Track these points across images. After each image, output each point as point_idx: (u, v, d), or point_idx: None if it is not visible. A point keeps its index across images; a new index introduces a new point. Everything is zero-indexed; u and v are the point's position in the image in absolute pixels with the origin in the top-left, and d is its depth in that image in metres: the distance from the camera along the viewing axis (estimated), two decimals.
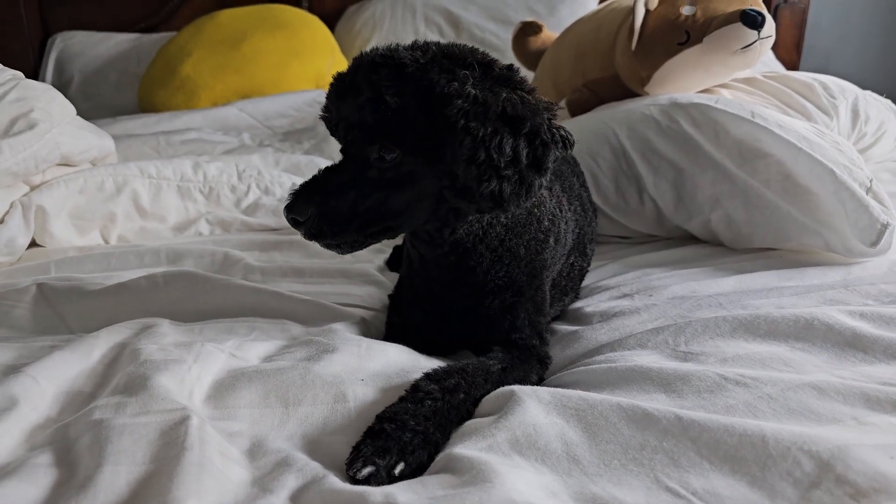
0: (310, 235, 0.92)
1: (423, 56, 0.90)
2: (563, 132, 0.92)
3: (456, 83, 0.86)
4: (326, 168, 0.95)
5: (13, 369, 0.89)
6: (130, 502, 0.64)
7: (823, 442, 0.65)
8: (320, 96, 2.65)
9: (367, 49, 0.94)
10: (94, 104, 2.87)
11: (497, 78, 0.91)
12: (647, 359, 0.96)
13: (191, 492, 0.64)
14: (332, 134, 0.97)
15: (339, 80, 0.93)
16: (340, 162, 0.95)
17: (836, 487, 0.61)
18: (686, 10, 1.58)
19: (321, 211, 0.90)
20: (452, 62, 0.90)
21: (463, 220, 0.97)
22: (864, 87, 1.77)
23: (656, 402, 0.80)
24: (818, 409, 0.76)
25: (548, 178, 0.92)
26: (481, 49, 0.95)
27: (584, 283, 1.38)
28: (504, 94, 0.88)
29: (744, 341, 0.96)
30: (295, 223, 0.92)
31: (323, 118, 0.97)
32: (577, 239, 1.26)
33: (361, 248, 0.96)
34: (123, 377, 0.85)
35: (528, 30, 2.31)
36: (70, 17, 3.14)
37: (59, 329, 1.12)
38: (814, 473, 0.63)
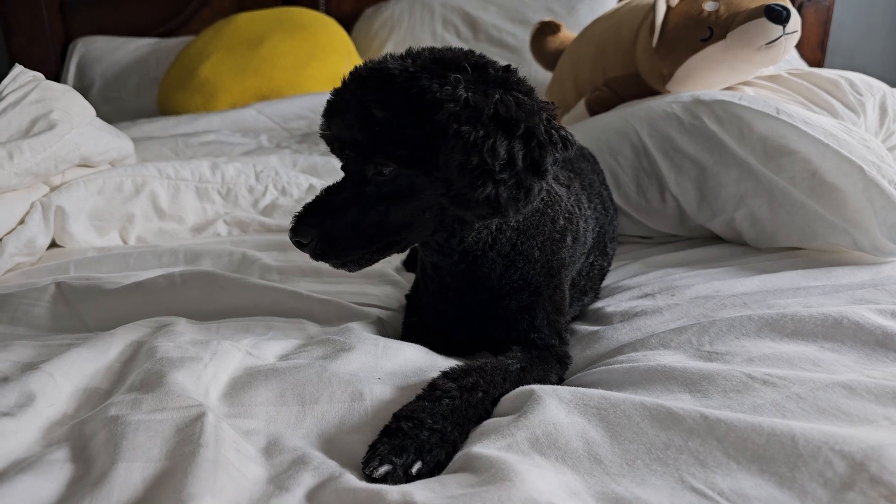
0: (316, 257, 0.92)
1: (413, 64, 0.88)
2: (562, 132, 0.89)
3: (448, 87, 0.84)
4: (328, 188, 0.95)
5: (31, 367, 0.89)
6: (145, 499, 0.64)
7: (856, 442, 0.63)
8: None
9: (381, 54, 0.93)
10: (114, 108, 2.91)
11: (492, 80, 0.88)
12: (670, 358, 0.94)
13: (206, 489, 0.63)
14: (332, 152, 0.96)
15: (332, 98, 0.93)
16: (341, 180, 0.95)
17: (870, 488, 0.59)
18: (709, 6, 1.55)
19: (322, 232, 0.90)
20: (444, 67, 0.87)
21: (469, 228, 0.95)
22: (890, 85, 1.73)
23: (681, 402, 0.78)
24: (849, 409, 0.73)
25: (548, 181, 0.90)
26: (478, 52, 0.93)
27: (605, 283, 1.36)
28: (497, 96, 0.85)
29: (770, 341, 0.94)
30: (300, 245, 0.92)
31: (322, 136, 0.97)
32: (598, 238, 1.24)
33: (369, 265, 0.96)
34: (140, 374, 0.84)
35: (547, 29, 2.29)
36: (91, 23, 3.19)
37: (77, 327, 1.13)
38: (846, 474, 0.61)
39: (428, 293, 1.09)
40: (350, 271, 0.96)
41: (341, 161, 0.96)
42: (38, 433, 0.76)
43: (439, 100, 0.84)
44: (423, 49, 0.93)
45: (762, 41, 1.48)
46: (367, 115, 0.86)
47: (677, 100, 1.52)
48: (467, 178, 0.84)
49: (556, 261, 1.04)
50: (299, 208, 0.94)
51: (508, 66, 0.92)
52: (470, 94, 0.84)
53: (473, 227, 0.95)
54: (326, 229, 0.90)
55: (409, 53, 0.92)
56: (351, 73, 0.92)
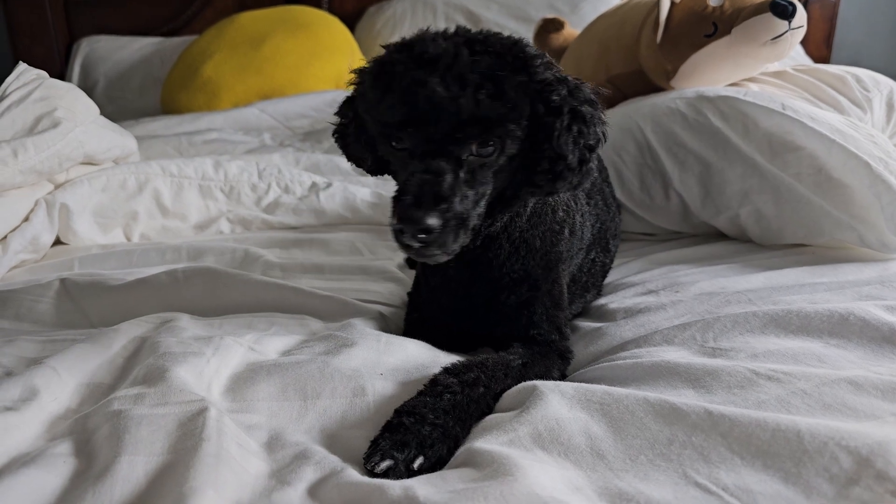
0: (437, 247, 0.84)
1: (501, 44, 0.87)
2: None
3: (553, 70, 0.88)
4: (421, 170, 0.84)
5: (35, 362, 0.89)
6: (147, 492, 0.64)
7: (862, 437, 0.62)
8: (340, 96, 2.64)
9: (434, 31, 0.88)
10: (118, 107, 2.92)
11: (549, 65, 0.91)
12: (673, 354, 0.93)
13: (208, 482, 0.63)
14: (411, 126, 0.85)
15: (433, 67, 0.83)
16: (430, 161, 0.84)
17: (876, 484, 0.58)
18: (713, 1, 1.55)
19: (446, 218, 0.82)
20: (522, 50, 0.88)
21: (509, 209, 0.96)
22: None
23: (684, 398, 0.77)
24: (855, 405, 0.72)
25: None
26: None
27: (608, 279, 1.35)
28: (581, 80, 0.91)
29: (775, 337, 0.93)
30: (424, 233, 0.82)
31: (402, 108, 0.84)
32: (599, 234, 1.24)
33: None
34: (143, 369, 0.84)
35: (550, 27, 2.29)
36: (95, 22, 3.20)
37: (81, 323, 1.13)
38: (852, 469, 0.60)
39: (429, 287, 1.09)
40: (437, 262, 0.89)
41: (432, 138, 0.84)
42: (41, 427, 0.77)
43: (550, 81, 0.87)
44: (466, 29, 0.90)
45: (767, 36, 1.47)
46: (500, 91, 0.83)
47: (681, 96, 1.51)
48: (577, 152, 0.89)
49: (553, 253, 1.04)
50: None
51: (543, 52, 0.93)
52: (571, 76, 0.90)
53: (513, 208, 0.96)
54: (448, 215, 0.83)
55: (472, 32, 0.89)
56: (446, 44, 0.84)
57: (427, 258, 0.86)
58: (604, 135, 0.92)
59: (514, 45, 0.88)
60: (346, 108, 1.01)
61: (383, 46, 0.93)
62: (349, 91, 0.99)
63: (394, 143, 0.88)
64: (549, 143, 0.88)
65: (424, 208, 0.81)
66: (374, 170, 1.03)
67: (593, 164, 0.92)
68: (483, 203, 0.89)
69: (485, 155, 0.85)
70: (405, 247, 0.84)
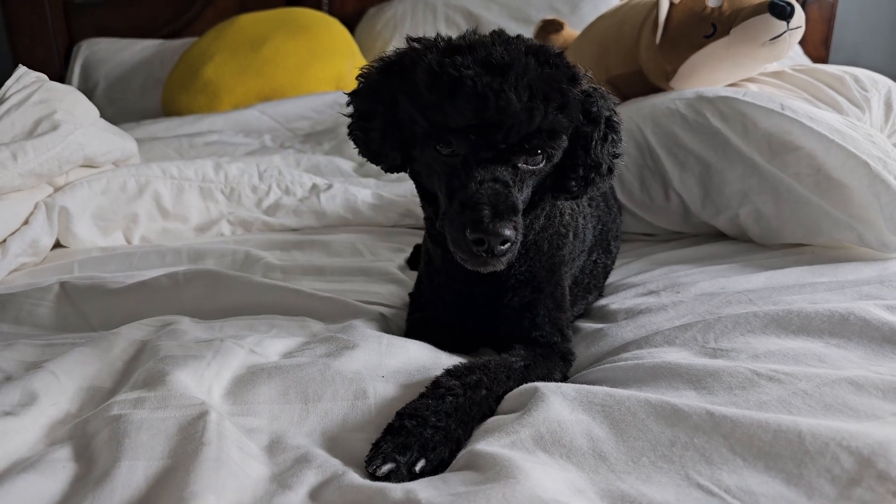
0: (509, 255, 0.84)
1: (554, 56, 0.88)
2: None
3: (589, 80, 0.90)
4: (489, 179, 0.83)
5: (35, 366, 0.89)
6: (148, 497, 0.64)
7: (863, 438, 0.62)
8: (341, 98, 2.63)
9: (477, 34, 0.88)
10: (118, 109, 2.91)
11: None
12: (675, 355, 0.93)
13: (208, 487, 0.63)
14: (473, 133, 0.83)
15: (504, 75, 0.82)
16: (493, 169, 0.84)
17: (877, 484, 0.58)
18: (712, 2, 1.55)
19: (517, 226, 0.83)
20: (568, 62, 0.90)
21: (534, 213, 0.96)
22: (895, 81, 1.71)
23: (686, 399, 0.77)
24: (856, 405, 0.72)
25: None
26: None
27: (609, 280, 1.35)
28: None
29: (776, 337, 0.93)
30: (502, 242, 0.81)
31: (473, 112, 0.82)
32: (601, 235, 1.24)
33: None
34: (143, 373, 0.84)
35: (550, 28, 2.29)
36: (95, 24, 3.20)
37: (81, 327, 1.13)
38: (854, 470, 0.60)
39: (433, 287, 1.09)
40: (495, 270, 0.88)
41: (500, 145, 0.84)
42: (40, 432, 0.76)
43: (590, 92, 0.89)
44: (507, 34, 0.90)
45: (766, 37, 1.47)
46: (565, 104, 0.85)
47: (681, 97, 1.51)
48: (608, 161, 0.93)
49: (558, 256, 1.04)
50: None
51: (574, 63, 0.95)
52: (600, 86, 0.94)
53: (535, 212, 0.97)
54: (517, 226, 0.83)
55: (517, 37, 0.89)
56: (512, 52, 0.84)
57: (492, 267, 0.86)
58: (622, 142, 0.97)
59: (559, 55, 0.89)
60: (367, 99, 0.95)
61: (416, 42, 0.91)
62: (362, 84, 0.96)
63: (439, 147, 0.87)
64: (586, 152, 0.91)
65: (504, 220, 0.81)
66: (394, 168, 0.99)
67: (617, 172, 0.97)
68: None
69: (534, 164, 0.87)
70: (474, 256, 0.83)
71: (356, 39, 3.05)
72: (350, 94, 0.96)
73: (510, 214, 0.82)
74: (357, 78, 0.97)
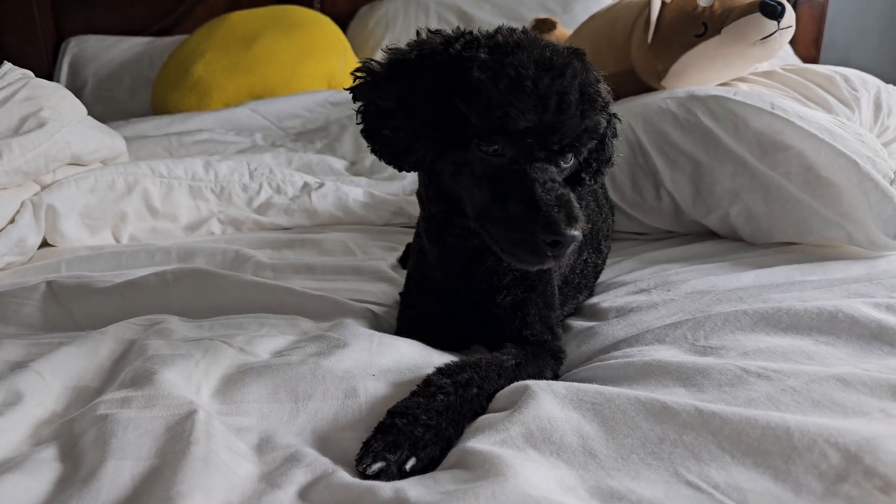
0: (566, 251, 0.84)
1: (584, 55, 0.90)
2: None
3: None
4: (551, 181, 0.84)
5: (21, 366, 0.88)
6: (135, 497, 0.63)
7: (851, 434, 0.62)
8: (332, 97, 2.65)
9: (518, 32, 0.88)
10: (107, 107, 2.89)
11: None
12: (665, 353, 0.93)
13: (196, 486, 0.62)
14: (531, 134, 0.84)
15: (559, 77, 0.83)
16: (546, 168, 0.85)
17: (864, 480, 0.58)
18: (703, 2, 1.55)
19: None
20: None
21: None
22: (884, 81, 1.72)
23: (675, 396, 0.77)
24: (844, 402, 0.73)
25: None
26: None
27: (600, 279, 1.35)
28: None
29: (765, 335, 0.94)
30: (570, 240, 0.82)
31: (531, 115, 0.82)
32: (591, 235, 1.24)
33: None
34: (130, 372, 0.83)
35: (543, 27, 2.29)
36: (84, 21, 3.17)
37: (68, 326, 1.12)
38: (841, 466, 0.60)
39: (425, 283, 1.09)
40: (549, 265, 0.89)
41: (551, 147, 0.85)
42: (26, 432, 0.76)
43: (601, 91, 0.89)
44: (527, 30, 0.91)
45: (757, 36, 1.47)
46: (605, 105, 0.89)
47: (672, 95, 1.52)
48: (611, 160, 0.98)
49: None
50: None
51: None
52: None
53: None
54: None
55: (557, 44, 0.90)
56: (555, 52, 0.85)
57: (546, 265, 0.87)
58: None
59: (585, 58, 0.92)
60: (388, 95, 0.89)
61: (455, 37, 0.89)
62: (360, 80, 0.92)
63: (483, 146, 0.86)
64: (602, 146, 0.95)
65: (576, 221, 0.82)
66: (416, 167, 0.94)
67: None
68: None
69: (568, 163, 0.89)
70: (543, 257, 0.83)
71: (348, 38, 3.04)
72: (362, 91, 0.92)
73: (579, 217, 0.83)
74: (360, 74, 0.92)
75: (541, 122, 0.83)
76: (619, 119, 1.00)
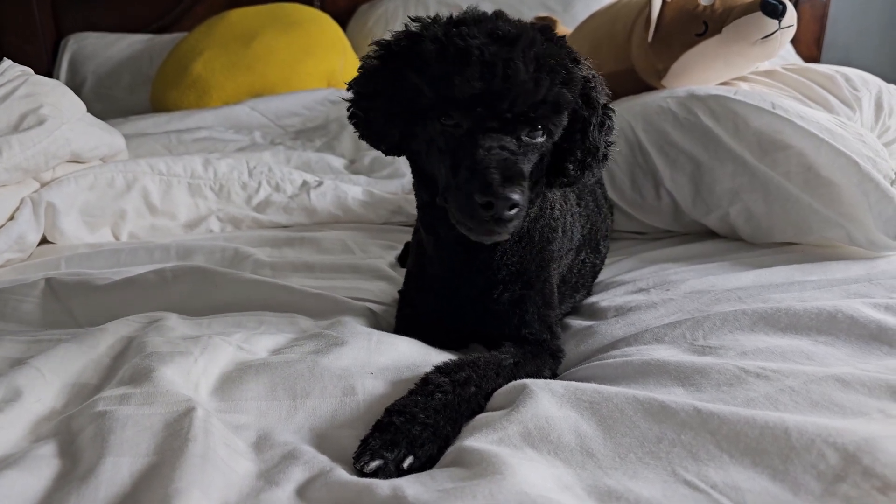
0: (516, 221, 0.84)
1: (557, 36, 0.89)
2: None
3: (588, 66, 0.92)
4: (498, 147, 0.84)
5: (20, 362, 0.88)
6: (133, 493, 0.63)
7: (849, 434, 0.62)
8: (332, 95, 2.64)
9: (479, 11, 0.90)
10: (107, 105, 2.89)
11: None
12: (663, 353, 0.94)
13: (194, 483, 0.62)
14: (479, 103, 0.83)
15: (510, 47, 0.82)
16: (499, 138, 0.85)
17: (862, 480, 0.58)
18: (704, 1, 1.55)
19: (524, 193, 0.83)
20: (569, 46, 0.92)
21: (536, 197, 0.98)
22: (886, 81, 1.72)
23: (674, 396, 0.77)
24: (842, 402, 0.73)
25: None
26: None
27: (599, 278, 1.35)
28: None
29: (764, 335, 0.94)
30: (510, 207, 0.81)
31: (479, 81, 0.82)
32: (589, 235, 1.24)
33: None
34: (129, 369, 0.83)
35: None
36: (83, 19, 3.16)
37: (67, 323, 1.12)
38: (839, 466, 0.60)
39: (424, 278, 1.09)
40: (502, 239, 0.90)
41: (502, 116, 0.84)
42: (25, 428, 0.76)
43: (588, 77, 0.91)
44: (503, 12, 0.91)
45: (758, 35, 1.47)
46: (570, 79, 0.87)
47: (672, 95, 1.51)
48: (603, 147, 0.95)
49: (548, 251, 1.04)
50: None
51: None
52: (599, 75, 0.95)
53: (534, 193, 0.97)
54: (525, 195, 0.83)
55: (519, 20, 0.90)
56: (517, 28, 0.85)
57: (498, 235, 0.86)
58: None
59: (563, 38, 0.91)
60: (370, 80, 0.95)
61: (422, 21, 0.91)
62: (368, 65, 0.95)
63: (443, 119, 0.87)
64: (584, 136, 0.93)
65: (513, 184, 0.81)
66: (394, 149, 0.99)
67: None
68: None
69: (534, 138, 0.88)
70: (482, 222, 0.83)
71: (348, 35, 3.03)
72: (352, 81, 0.97)
73: (519, 179, 0.82)
74: (359, 68, 0.97)
75: (488, 89, 0.82)
76: (610, 112, 0.97)
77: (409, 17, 0.94)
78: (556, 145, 0.93)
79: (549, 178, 0.97)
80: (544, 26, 0.90)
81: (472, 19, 0.88)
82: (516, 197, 0.80)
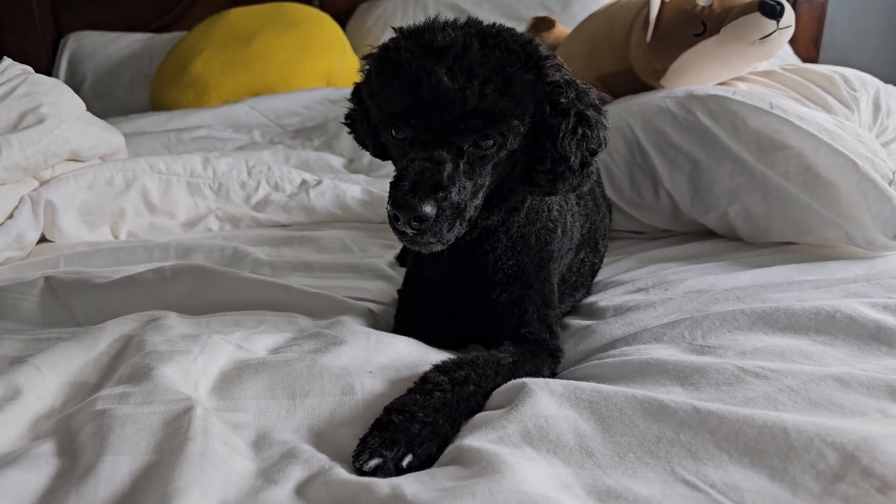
0: (432, 234, 0.83)
1: (513, 41, 0.87)
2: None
3: (560, 72, 0.88)
4: (422, 158, 0.84)
5: (19, 361, 0.88)
6: (132, 492, 0.63)
7: (848, 434, 0.62)
8: (331, 94, 2.64)
9: (444, 21, 0.89)
10: (106, 104, 2.88)
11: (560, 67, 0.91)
12: (662, 352, 0.94)
13: (193, 482, 0.62)
14: (412, 116, 0.84)
15: (442, 57, 0.82)
16: (430, 150, 0.84)
17: (861, 480, 0.58)
18: (702, 1, 1.55)
19: (442, 207, 0.82)
20: (535, 49, 0.88)
21: (506, 204, 0.96)
22: (884, 81, 1.72)
23: (673, 395, 0.77)
24: (841, 402, 0.73)
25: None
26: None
27: (598, 278, 1.35)
28: (590, 85, 0.93)
29: (763, 334, 0.94)
30: (418, 222, 0.81)
31: (408, 95, 0.83)
32: (589, 234, 1.24)
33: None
34: (128, 368, 0.83)
35: (541, 25, 2.29)
36: (83, 18, 3.16)
37: (66, 322, 1.11)
38: (838, 466, 0.60)
39: (422, 280, 1.09)
40: (433, 251, 0.88)
41: (434, 127, 0.84)
42: (24, 427, 0.76)
43: (558, 83, 0.87)
44: (478, 21, 0.90)
45: (756, 36, 1.47)
46: (507, 86, 0.83)
47: (671, 95, 1.52)
48: (579, 156, 0.89)
49: (546, 251, 1.04)
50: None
51: (554, 54, 0.93)
52: (579, 80, 0.90)
53: (510, 203, 0.96)
54: (444, 203, 0.82)
55: (485, 25, 0.89)
56: (457, 35, 0.84)
57: (421, 246, 0.86)
58: (605, 139, 0.93)
59: (528, 43, 0.88)
60: (355, 93, 1.02)
61: (394, 29, 0.92)
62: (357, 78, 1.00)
63: (394, 132, 0.88)
64: (553, 144, 0.89)
65: (421, 196, 0.80)
66: (377, 154, 1.04)
67: (594, 168, 0.93)
68: (481, 195, 0.90)
69: (485, 148, 0.85)
70: (399, 233, 0.84)
71: (347, 35, 3.03)
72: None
73: (429, 190, 0.81)
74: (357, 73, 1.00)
75: (417, 102, 0.83)
76: (591, 119, 0.90)
77: (392, 28, 0.94)
78: (529, 153, 0.90)
79: (523, 185, 0.94)
80: (498, 33, 0.86)
81: (417, 30, 0.87)
82: (425, 209, 0.80)
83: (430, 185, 0.81)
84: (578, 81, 0.91)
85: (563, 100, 0.87)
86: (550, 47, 2.20)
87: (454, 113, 0.82)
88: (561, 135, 0.88)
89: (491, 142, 0.85)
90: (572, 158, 0.89)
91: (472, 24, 0.88)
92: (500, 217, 0.97)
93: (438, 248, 0.87)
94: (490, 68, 0.82)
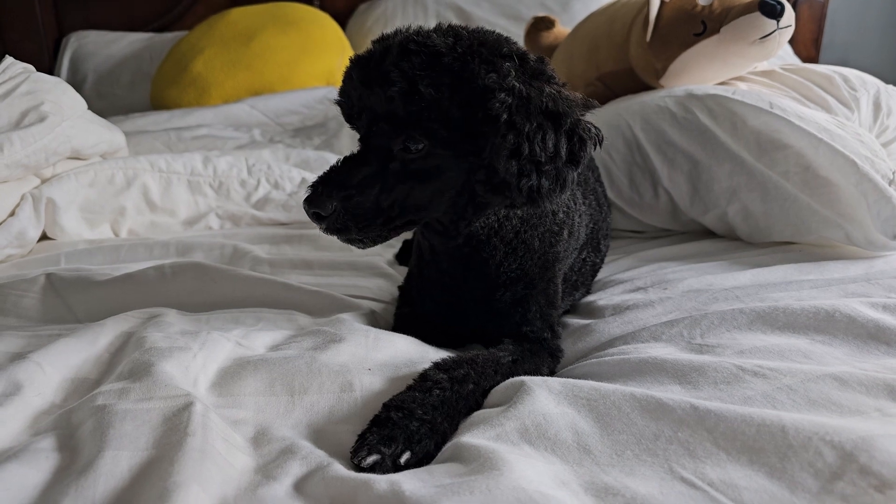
0: (333, 230, 0.87)
1: (459, 44, 0.86)
2: (594, 128, 0.90)
3: (496, 75, 0.83)
4: (346, 158, 0.89)
5: (20, 357, 0.88)
6: (131, 487, 0.63)
7: (846, 433, 0.63)
8: (331, 93, 2.65)
9: (416, 28, 0.89)
10: (107, 103, 2.89)
11: (532, 70, 0.88)
12: (661, 351, 0.94)
13: (192, 477, 0.62)
14: (350, 121, 0.92)
15: (363, 64, 0.87)
16: (360, 152, 0.90)
17: (859, 478, 0.59)
18: (702, 0, 1.55)
19: (346, 206, 0.85)
20: (490, 52, 0.86)
21: (482, 213, 0.94)
22: (884, 81, 1.72)
23: (671, 393, 0.77)
24: (840, 401, 0.73)
25: (579, 173, 0.90)
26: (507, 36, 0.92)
27: (597, 277, 1.35)
28: (546, 89, 0.85)
29: (762, 333, 0.94)
30: (317, 217, 0.87)
31: (340, 104, 0.92)
32: (591, 234, 1.24)
33: (383, 242, 0.93)
34: (128, 364, 0.84)
35: (541, 25, 2.29)
36: (84, 17, 3.17)
37: (67, 318, 1.12)
38: (836, 464, 0.60)
39: (423, 280, 1.09)
40: (362, 248, 0.92)
41: (363, 133, 0.90)
42: (24, 422, 0.76)
43: (491, 87, 0.83)
44: (458, 26, 0.90)
45: (756, 35, 1.47)
46: (413, 90, 0.82)
47: (670, 94, 1.52)
48: (514, 167, 0.83)
49: (552, 253, 1.04)
50: (304, 188, 0.94)
51: (542, 57, 0.92)
52: (523, 85, 0.84)
53: (486, 212, 0.94)
54: (350, 203, 0.85)
55: (449, 30, 0.88)
56: (387, 40, 0.87)
57: (352, 243, 0.91)
58: (579, 147, 0.86)
59: (472, 46, 0.86)
60: None
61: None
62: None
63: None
64: (491, 154, 0.84)
65: (322, 193, 0.86)
66: None
67: (545, 183, 0.85)
68: (437, 200, 0.90)
69: (411, 151, 0.86)
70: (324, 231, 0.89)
71: (347, 35, 3.04)
72: None
73: (331, 189, 0.86)
74: None
75: (345, 108, 0.92)
76: (514, 124, 0.82)
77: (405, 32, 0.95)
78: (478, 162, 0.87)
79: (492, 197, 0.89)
80: (424, 41, 0.85)
81: (378, 39, 0.91)
82: (320, 207, 0.85)
83: (335, 183, 0.86)
84: (522, 87, 0.84)
85: (495, 104, 0.82)
86: (549, 47, 2.22)
87: (368, 117, 0.87)
88: (489, 146, 0.84)
89: (420, 146, 0.85)
90: (501, 169, 0.83)
91: (422, 32, 0.87)
92: (481, 223, 0.96)
93: (362, 246, 0.91)
94: (401, 73, 0.83)
